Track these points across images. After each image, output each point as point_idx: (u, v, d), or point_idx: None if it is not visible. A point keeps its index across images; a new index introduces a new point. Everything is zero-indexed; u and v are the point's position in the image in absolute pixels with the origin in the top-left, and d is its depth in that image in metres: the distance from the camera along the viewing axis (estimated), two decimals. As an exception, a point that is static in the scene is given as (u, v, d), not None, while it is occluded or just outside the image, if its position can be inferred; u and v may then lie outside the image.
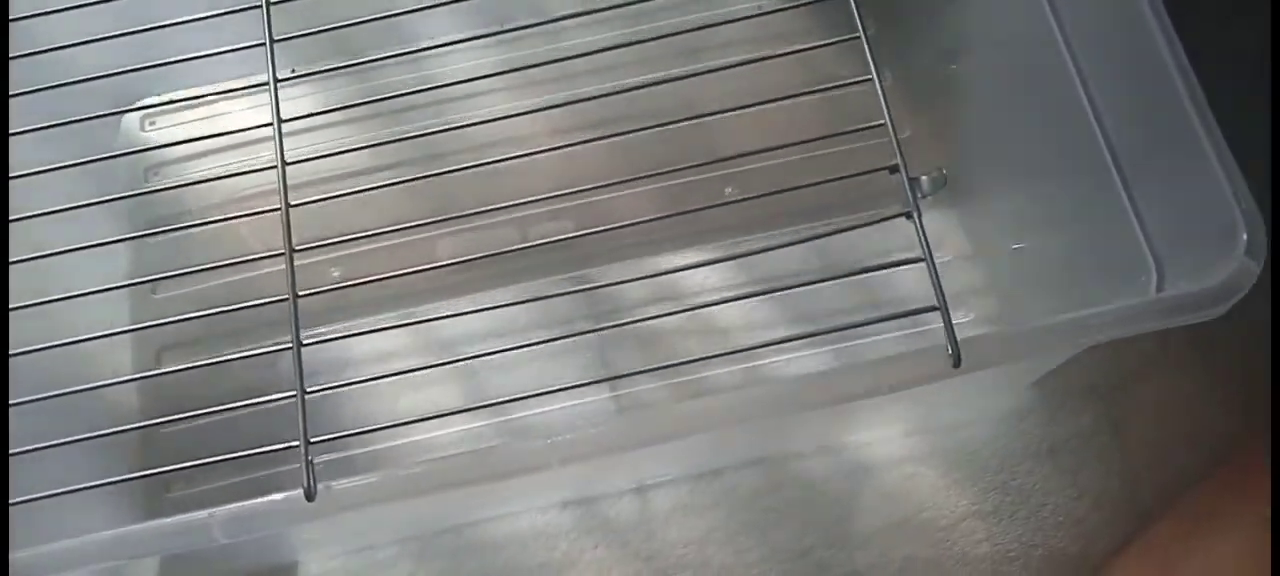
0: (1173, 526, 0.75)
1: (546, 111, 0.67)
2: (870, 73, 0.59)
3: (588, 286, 0.67)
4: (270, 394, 0.55)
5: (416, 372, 0.69)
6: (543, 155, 0.65)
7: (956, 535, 0.78)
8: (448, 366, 0.79)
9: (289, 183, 0.61)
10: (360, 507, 0.51)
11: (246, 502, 0.50)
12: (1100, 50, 0.63)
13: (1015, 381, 0.78)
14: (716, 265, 0.83)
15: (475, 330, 0.83)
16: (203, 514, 0.49)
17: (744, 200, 0.60)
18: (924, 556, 0.77)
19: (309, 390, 0.53)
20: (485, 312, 0.79)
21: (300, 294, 0.57)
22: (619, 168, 0.64)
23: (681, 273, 0.84)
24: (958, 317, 0.78)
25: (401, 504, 0.66)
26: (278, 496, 0.50)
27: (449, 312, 0.64)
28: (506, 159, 0.62)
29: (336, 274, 0.84)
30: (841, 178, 0.58)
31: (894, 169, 0.56)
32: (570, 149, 0.63)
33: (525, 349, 0.60)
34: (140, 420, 0.80)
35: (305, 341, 0.56)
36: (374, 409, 0.82)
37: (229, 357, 0.59)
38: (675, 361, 0.60)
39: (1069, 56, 0.65)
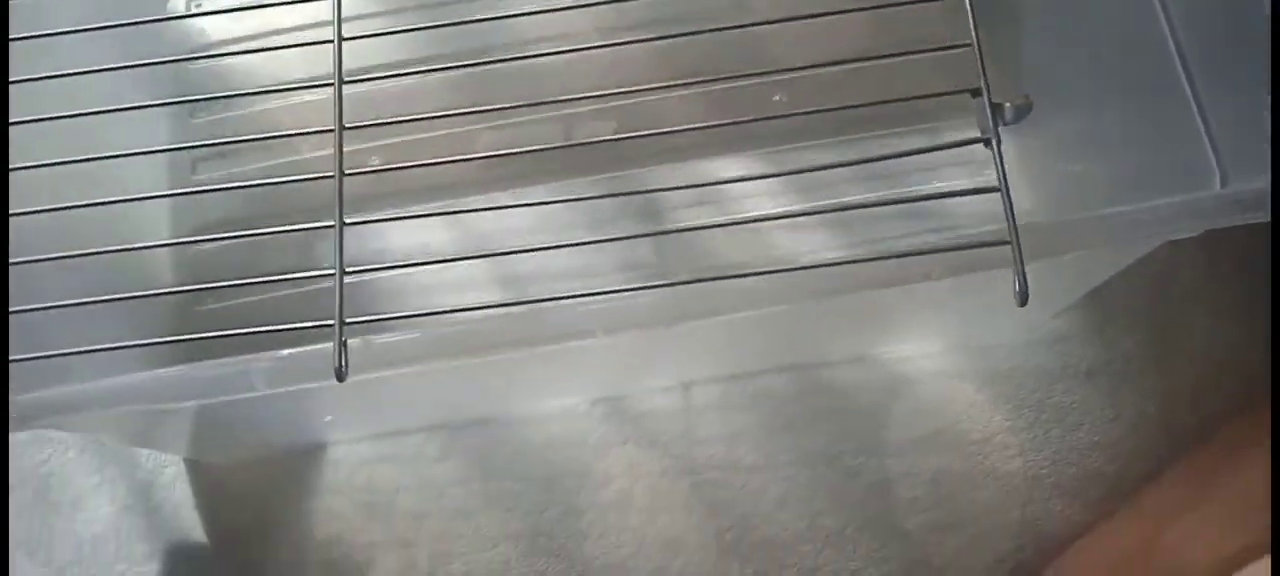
0: (1209, 454, 0.74)
1: (596, 8, 0.65)
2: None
3: (631, 191, 0.66)
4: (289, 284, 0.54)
5: (454, 268, 0.69)
6: (590, 52, 0.64)
7: (990, 449, 0.77)
8: (485, 261, 0.79)
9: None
10: (395, 367, 0.50)
11: (283, 353, 0.49)
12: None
13: (1064, 295, 0.77)
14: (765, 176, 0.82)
15: (514, 226, 0.83)
16: (241, 360, 0.48)
17: (795, 114, 0.57)
18: (956, 469, 0.77)
19: (348, 270, 0.53)
20: (525, 209, 0.79)
21: (347, 172, 0.56)
22: (666, 70, 0.62)
23: (728, 184, 0.82)
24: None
25: (432, 383, 0.67)
26: (314, 347, 0.50)
27: (488, 206, 0.63)
28: (550, 54, 0.60)
29: (376, 161, 0.83)
30: (916, 98, 0.55)
31: (976, 92, 0.54)
32: (617, 48, 0.61)
33: (565, 248, 0.59)
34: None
35: (348, 221, 0.55)
36: (409, 304, 0.81)
37: (269, 231, 0.58)
38: (721, 274, 0.58)
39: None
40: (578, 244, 0.56)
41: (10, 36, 0.56)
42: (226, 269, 0.64)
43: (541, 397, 0.80)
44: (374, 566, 0.78)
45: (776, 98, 0.82)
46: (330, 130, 0.56)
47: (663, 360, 0.78)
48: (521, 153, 0.60)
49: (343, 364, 0.50)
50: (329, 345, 0.50)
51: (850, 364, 0.80)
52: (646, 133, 0.59)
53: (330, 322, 0.50)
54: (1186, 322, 0.80)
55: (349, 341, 0.51)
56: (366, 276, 0.55)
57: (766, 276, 0.51)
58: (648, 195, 0.83)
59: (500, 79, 0.63)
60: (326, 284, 0.53)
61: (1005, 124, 0.52)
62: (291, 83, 0.62)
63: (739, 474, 0.78)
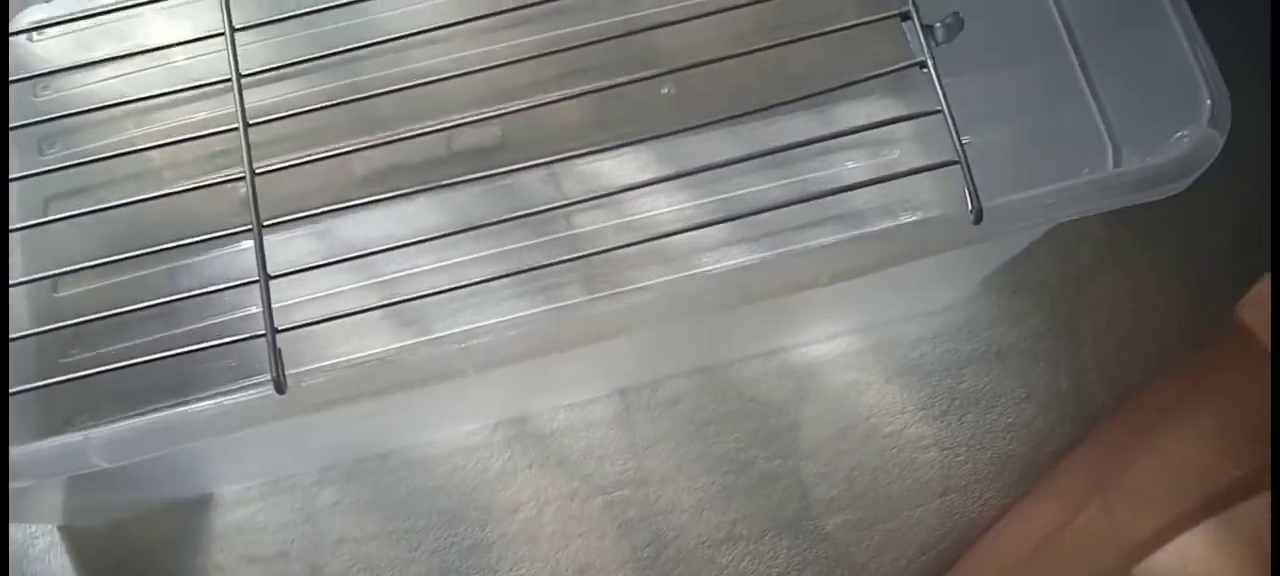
0: (1122, 425, 0.73)
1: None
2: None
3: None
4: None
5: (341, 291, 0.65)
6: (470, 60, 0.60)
7: (903, 440, 0.75)
8: (372, 282, 0.75)
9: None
10: (330, 405, 0.46)
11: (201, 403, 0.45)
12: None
13: (966, 277, 0.75)
14: (657, 164, 0.79)
15: (395, 236, 0.78)
16: (78, 436, 0.44)
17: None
18: (871, 464, 0.75)
19: (273, 275, 0.48)
20: (408, 224, 0.75)
21: (258, 171, 0.51)
22: (551, 70, 0.58)
23: (618, 176, 0.79)
24: (907, 216, 0.75)
25: (327, 421, 0.63)
26: (252, 393, 0.46)
27: (371, 230, 0.58)
28: (433, 82, 0.56)
29: (242, 192, 0.78)
30: (843, 28, 0.52)
31: (905, 15, 0.52)
32: (495, 63, 0.58)
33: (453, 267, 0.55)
34: (36, 346, 0.75)
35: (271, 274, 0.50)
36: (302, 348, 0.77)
37: (183, 242, 0.53)
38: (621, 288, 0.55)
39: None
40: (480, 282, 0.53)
41: None
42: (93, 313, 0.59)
43: (440, 426, 0.76)
44: (270, 624, 0.73)
45: (665, 90, 0.79)
46: (234, 128, 0.52)
47: (566, 376, 0.74)
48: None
49: (279, 373, 0.45)
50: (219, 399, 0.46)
51: (758, 360, 0.77)
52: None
53: (261, 333, 0.46)
54: (1090, 297, 0.79)
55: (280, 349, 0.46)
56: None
57: (669, 286, 0.49)
58: (541, 200, 0.80)
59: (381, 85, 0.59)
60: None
61: (937, 44, 0.51)
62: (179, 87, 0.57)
63: (650, 487, 0.75)
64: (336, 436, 0.70)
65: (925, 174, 0.48)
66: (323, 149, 0.61)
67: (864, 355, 0.77)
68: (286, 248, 0.75)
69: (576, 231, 0.77)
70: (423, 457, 0.76)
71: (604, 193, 0.65)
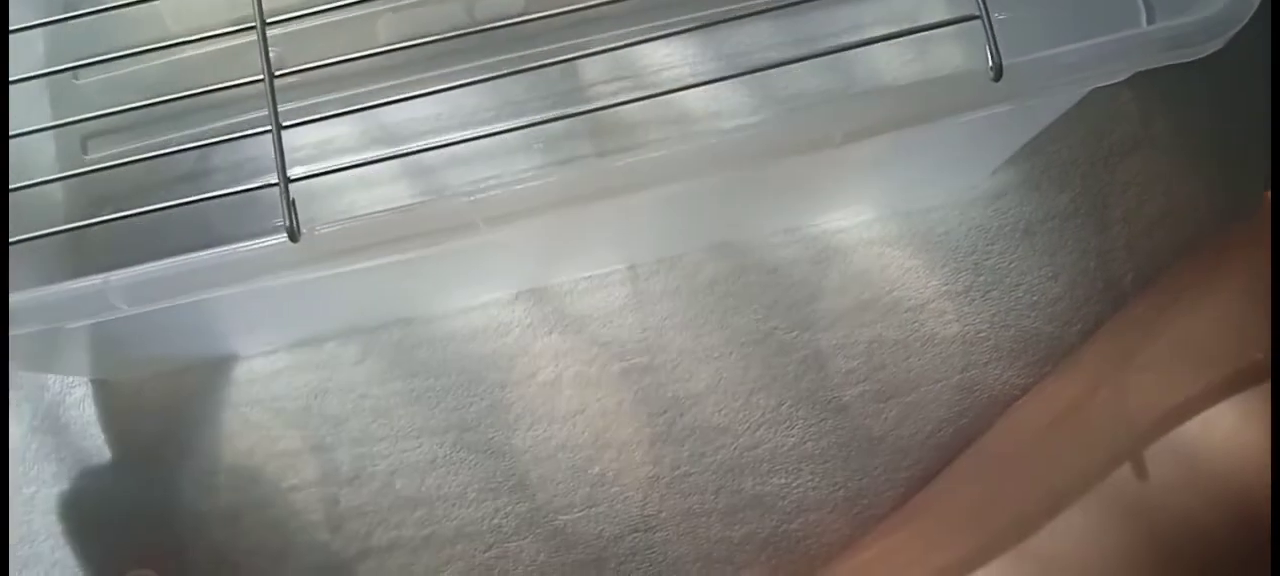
0: (1147, 303, 0.72)
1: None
2: None
3: (541, 63, 0.60)
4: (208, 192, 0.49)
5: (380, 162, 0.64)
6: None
7: (925, 315, 0.75)
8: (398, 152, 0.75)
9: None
10: (344, 256, 0.46)
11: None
12: None
13: (993, 154, 0.74)
14: (684, 43, 0.77)
15: (421, 114, 0.78)
16: (98, 279, 0.44)
17: None
18: (891, 337, 0.75)
19: (284, 124, 0.48)
20: (434, 97, 0.75)
21: (277, 74, 0.51)
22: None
23: (655, 62, 0.78)
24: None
25: (351, 283, 0.63)
26: (266, 241, 0.46)
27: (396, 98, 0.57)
28: None
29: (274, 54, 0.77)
30: None
31: None
32: None
33: (477, 141, 0.54)
34: (65, 203, 0.76)
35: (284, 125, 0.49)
36: (317, 208, 0.77)
37: (204, 132, 0.53)
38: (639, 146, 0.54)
39: None
40: (492, 133, 0.52)
41: None
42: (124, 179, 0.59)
43: (462, 292, 0.77)
44: (293, 472, 0.75)
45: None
46: (251, 27, 0.51)
47: (585, 246, 0.74)
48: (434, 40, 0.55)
49: (293, 222, 0.45)
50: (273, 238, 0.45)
51: (780, 238, 0.76)
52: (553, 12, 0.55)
53: (273, 181, 0.46)
54: (1121, 176, 0.77)
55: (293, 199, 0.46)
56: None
57: (680, 143, 0.48)
58: (564, 77, 0.79)
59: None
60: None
61: None
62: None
63: (669, 356, 0.76)
64: (358, 297, 0.71)
65: (956, 54, 0.47)
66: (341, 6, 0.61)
67: (889, 230, 0.76)
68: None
69: (597, 104, 0.76)
70: (443, 323, 0.77)
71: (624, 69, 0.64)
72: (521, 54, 0.78)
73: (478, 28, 0.54)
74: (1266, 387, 0.58)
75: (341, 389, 0.76)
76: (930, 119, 0.46)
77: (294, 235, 0.45)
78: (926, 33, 0.51)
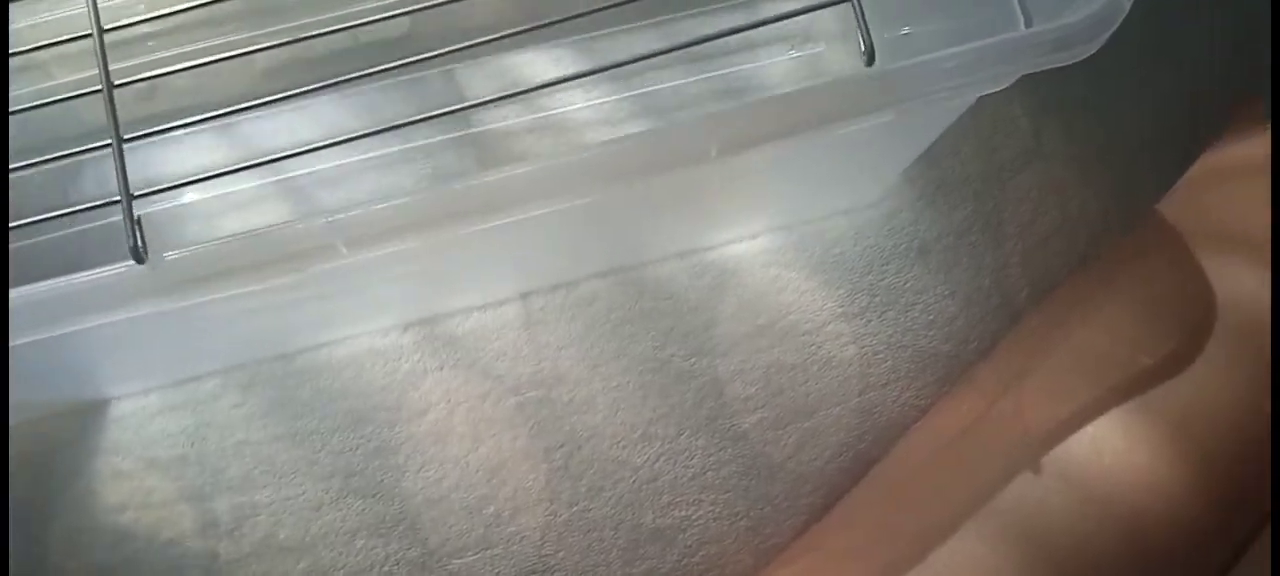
0: (1041, 318, 0.72)
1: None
2: None
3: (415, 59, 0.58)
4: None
5: (242, 189, 0.61)
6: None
7: (822, 338, 0.74)
8: (273, 181, 0.72)
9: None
10: (198, 283, 0.43)
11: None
12: None
13: (885, 170, 0.73)
14: (573, 61, 0.76)
15: (301, 140, 0.75)
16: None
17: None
18: (789, 361, 0.73)
19: (126, 138, 0.45)
20: (312, 122, 0.72)
21: (116, 84, 0.48)
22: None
23: (534, 72, 0.76)
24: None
25: (227, 314, 0.60)
26: (112, 268, 0.42)
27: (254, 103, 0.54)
28: None
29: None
30: None
31: None
32: None
33: (357, 161, 0.52)
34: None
35: (126, 137, 0.46)
36: (195, 230, 0.73)
37: (36, 161, 0.49)
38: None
39: None
40: (356, 136, 0.50)
41: None
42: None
43: (346, 324, 0.74)
44: (169, 525, 0.71)
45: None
46: (87, 34, 0.48)
47: (475, 273, 0.72)
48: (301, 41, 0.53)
49: (138, 241, 0.42)
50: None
51: (674, 260, 0.75)
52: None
53: (115, 199, 0.43)
54: (1014, 191, 0.78)
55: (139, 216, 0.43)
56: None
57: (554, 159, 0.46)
58: (444, 101, 0.77)
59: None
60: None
61: None
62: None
63: (565, 388, 0.73)
64: (231, 331, 0.67)
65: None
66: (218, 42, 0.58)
67: (784, 253, 0.75)
68: (182, 144, 0.72)
69: (481, 128, 0.74)
70: (328, 359, 0.74)
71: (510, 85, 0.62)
72: (408, 77, 0.76)
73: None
74: (1154, 395, 0.58)
75: (220, 433, 0.72)
76: (809, 127, 0.45)
77: (139, 255, 0.42)
78: (813, 43, 0.50)
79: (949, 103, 0.56)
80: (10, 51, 0.50)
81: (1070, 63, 0.46)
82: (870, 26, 0.46)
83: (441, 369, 0.74)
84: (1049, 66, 0.46)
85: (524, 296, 0.75)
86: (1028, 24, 0.50)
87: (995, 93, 0.51)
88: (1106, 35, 0.45)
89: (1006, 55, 0.46)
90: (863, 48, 0.44)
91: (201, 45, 0.68)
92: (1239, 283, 0.60)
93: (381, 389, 0.73)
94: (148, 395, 0.73)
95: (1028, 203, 0.77)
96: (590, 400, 0.73)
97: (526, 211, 0.45)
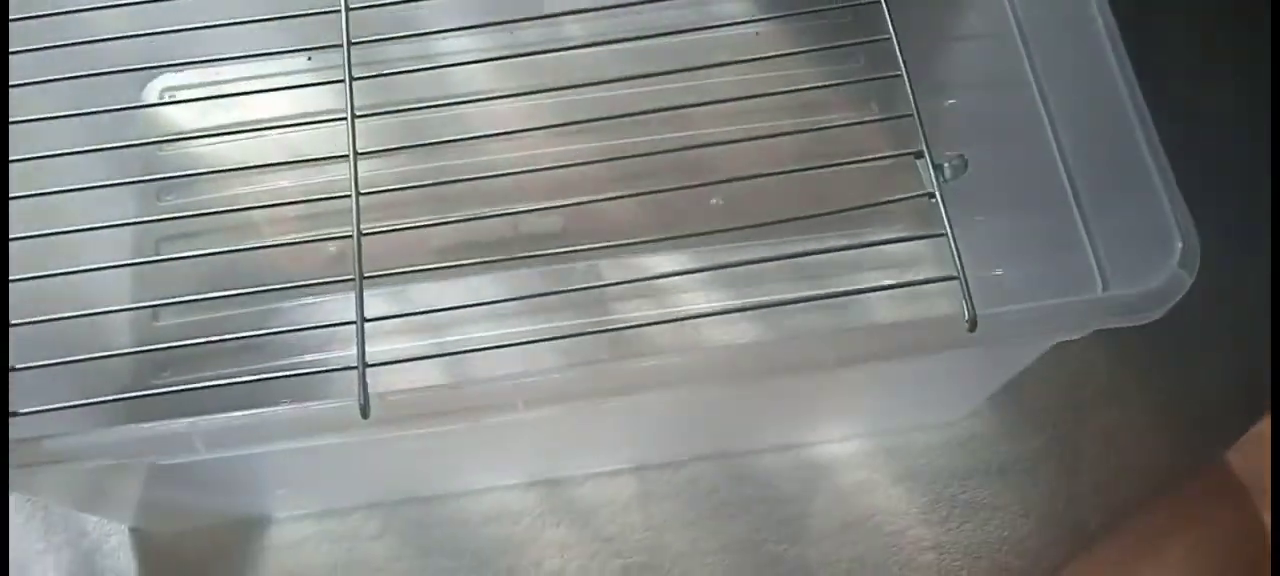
0: (1112, 548, 0.78)
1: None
2: (898, 70, 0.61)
3: (575, 287, 0.69)
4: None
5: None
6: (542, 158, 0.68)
7: (904, 541, 0.81)
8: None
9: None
10: (400, 423, 0.54)
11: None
12: (1068, 90, 0.68)
13: (973, 393, 0.81)
14: (704, 278, 0.86)
15: (463, 316, 0.86)
16: (185, 422, 0.52)
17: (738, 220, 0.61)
18: (872, 560, 0.80)
19: (369, 318, 0.56)
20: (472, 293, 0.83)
21: (364, 233, 0.59)
22: (610, 174, 0.67)
23: (670, 281, 0.87)
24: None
25: (378, 456, 0.70)
26: (336, 403, 0.53)
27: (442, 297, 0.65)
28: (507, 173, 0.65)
29: (333, 250, 0.85)
30: (864, 160, 0.60)
31: (919, 154, 0.60)
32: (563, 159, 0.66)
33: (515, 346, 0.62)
34: (133, 367, 0.83)
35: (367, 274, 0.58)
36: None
37: (290, 285, 0.61)
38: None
39: (1040, 97, 0.69)
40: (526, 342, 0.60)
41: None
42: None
43: (481, 476, 0.83)
44: (309, 641, 0.80)
45: (713, 200, 0.87)
46: (346, 195, 0.60)
47: (599, 443, 0.81)
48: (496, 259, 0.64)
49: (366, 400, 0.53)
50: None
51: (774, 452, 0.83)
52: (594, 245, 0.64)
53: (353, 366, 0.54)
54: (1092, 425, 0.85)
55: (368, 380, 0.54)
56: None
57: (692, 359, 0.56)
58: (594, 296, 0.88)
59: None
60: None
61: (945, 181, 0.59)
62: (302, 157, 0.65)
63: (666, 557, 0.81)
64: (389, 470, 0.78)
65: (943, 304, 0.56)
66: (411, 220, 0.70)
67: (875, 458, 0.83)
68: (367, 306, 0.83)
69: (619, 318, 0.85)
70: (462, 505, 0.83)
71: (644, 277, 0.73)
72: (556, 267, 0.87)
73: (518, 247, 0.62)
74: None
75: (361, 562, 0.82)
76: (911, 353, 0.54)
77: (366, 413, 0.53)
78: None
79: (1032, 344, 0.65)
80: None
81: (1137, 324, 0.55)
82: (965, 268, 0.55)
83: (558, 526, 0.83)
84: (1119, 325, 0.55)
85: (637, 468, 0.84)
86: (1105, 287, 0.59)
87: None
88: (1170, 305, 0.54)
89: (1084, 313, 0.55)
90: (966, 316, 0.54)
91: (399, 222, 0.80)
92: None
93: (505, 537, 0.82)
94: (303, 520, 0.83)
95: (1102, 438, 0.84)
96: (688, 572, 0.81)
97: (668, 395, 0.55)
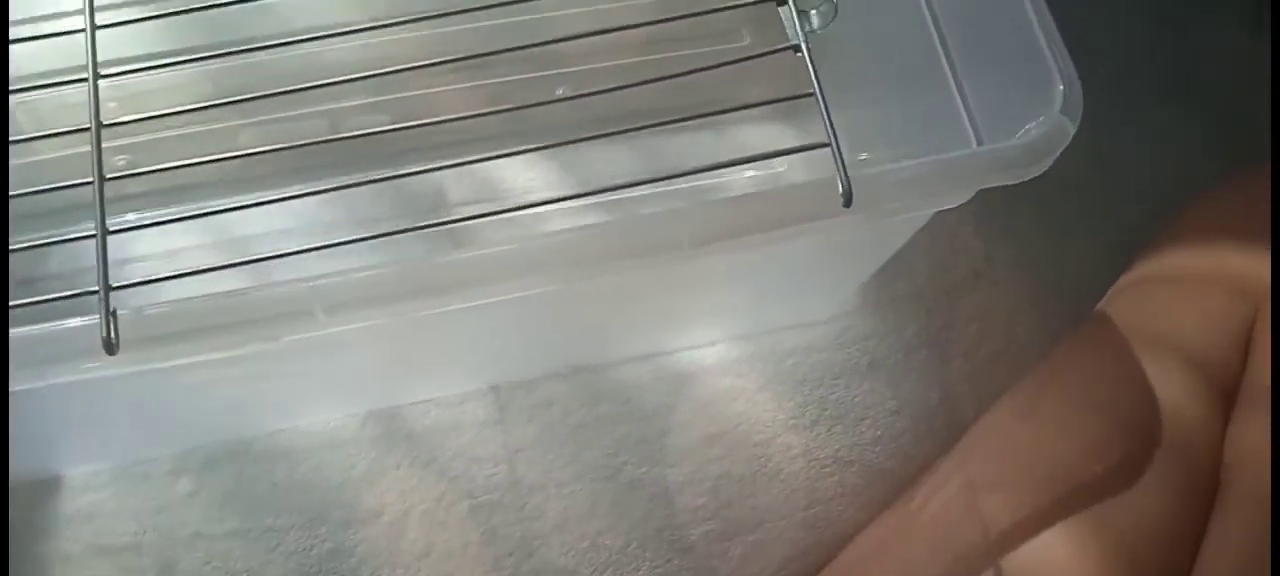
0: (986, 424, 0.73)
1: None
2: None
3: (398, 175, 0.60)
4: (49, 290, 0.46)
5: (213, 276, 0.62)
6: (360, 42, 0.59)
7: (772, 450, 0.75)
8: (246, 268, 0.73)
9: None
10: (167, 342, 0.44)
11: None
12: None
13: (842, 284, 0.76)
14: (546, 169, 0.78)
15: (277, 228, 0.77)
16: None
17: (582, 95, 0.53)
18: (738, 472, 0.74)
19: (112, 229, 0.46)
20: (287, 210, 0.73)
21: (107, 177, 0.49)
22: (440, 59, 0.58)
23: (515, 187, 0.79)
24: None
25: (184, 392, 0.60)
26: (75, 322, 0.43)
27: (259, 202, 0.55)
28: (316, 38, 0.55)
29: (122, 162, 0.75)
30: (717, 10, 0.53)
31: (781, 0, 0.53)
32: (388, 36, 0.57)
33: (330, 248, 0.53)
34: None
35: (110, 228, 0.47)
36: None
37: (24, 244, 0.50)
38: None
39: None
40: (343, 243, 0.51)
41: None
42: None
43: (307, 411, 0.74)
44: (114, 619, 0.70)
45: (560, 90, 0.78)
46: (85, 128, 0.50)
47: (438, 363, 0.73)
48: (287, 148, 0.54)
49: (111, 332, 0.43)
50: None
51: (633, 363, 0.77)
52: (418, 123, 0.55)
53: (93, 289, 0.43)
54: (965, 310, 0.80)
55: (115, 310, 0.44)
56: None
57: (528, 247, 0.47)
58: (424, 195, 0.79)
59: (263, 71, 0.58)
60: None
61: (813, 30, 0.52)
62: (32, 77, 0.55)
63: (519, 493, 0.74)
64: (193, 412, 0.68)
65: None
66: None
67: (740, 362, 0.77)
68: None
69: (451, 223, 0.76)
70: (287, 448, 0.74)
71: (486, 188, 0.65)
72: (383, 172, 0.78)
73: (336, 137, 0.53)
74: (1108, 505, 0.60)
75: (172, 525, 0.72)
76: (776, 228, 0.47)
77: (112, 348, 0.43)
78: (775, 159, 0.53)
79: (906, 216, 0.59)
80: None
81: (1020, 181, 0.49)
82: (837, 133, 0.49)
83: (398, 467, 0.74)
84: (1001, 182, 0.49)
85: (484, 392, 0.76)
86: (980, 142, 0.53)
87: (949, 214, 0.54)
88: (1051, 158, 0.49)
89: (965, 170, 0.49)
90: (841, 189, 0.47)
91: (184, 131, 0.70)
92: (1170, 390, 0.63)
93: (338, 485, 0.74)
94: (100, 476, 0.73)
95: (976, 322, 0.80)
96: (543, 506, 0.74)
97: (501, 292, 0.47)
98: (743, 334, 0.77)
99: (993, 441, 0.69)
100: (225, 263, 0.46)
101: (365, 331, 0.54)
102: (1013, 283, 0.81)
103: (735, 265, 0.61)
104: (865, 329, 0.79)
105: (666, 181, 0.51)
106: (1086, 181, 0.82)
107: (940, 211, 0.58)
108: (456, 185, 0.79)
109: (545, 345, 0.73)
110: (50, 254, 0.73)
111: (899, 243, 0.68)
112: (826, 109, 0.49)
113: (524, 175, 0.80)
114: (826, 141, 0.49)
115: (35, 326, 0.43)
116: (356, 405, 0.74)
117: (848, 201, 0.47)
